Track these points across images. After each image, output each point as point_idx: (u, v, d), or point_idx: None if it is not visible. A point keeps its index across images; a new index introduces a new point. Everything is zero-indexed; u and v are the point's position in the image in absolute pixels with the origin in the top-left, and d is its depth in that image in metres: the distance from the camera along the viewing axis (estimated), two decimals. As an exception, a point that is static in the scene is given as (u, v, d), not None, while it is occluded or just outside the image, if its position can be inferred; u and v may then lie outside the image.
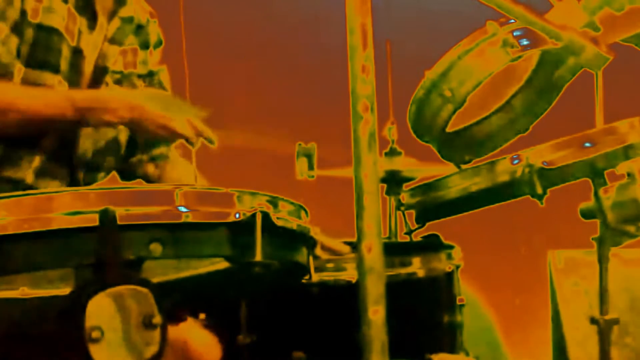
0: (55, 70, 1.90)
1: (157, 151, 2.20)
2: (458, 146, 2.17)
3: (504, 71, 1.92)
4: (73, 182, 1.99)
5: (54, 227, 1.09)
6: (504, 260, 3.72)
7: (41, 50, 1.89)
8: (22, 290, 1.45)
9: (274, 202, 1.23)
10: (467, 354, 2.18)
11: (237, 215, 1.18)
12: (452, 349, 2.13)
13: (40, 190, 1.11)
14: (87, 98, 1.89)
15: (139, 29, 2.13)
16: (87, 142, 2.00)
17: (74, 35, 1.94)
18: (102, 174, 2.07)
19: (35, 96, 1.86)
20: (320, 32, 3.49)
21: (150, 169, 2.21)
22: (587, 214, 1.95)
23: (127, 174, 2.19)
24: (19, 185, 1.90)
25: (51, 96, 1.87)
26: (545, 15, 1.73)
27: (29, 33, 1.87)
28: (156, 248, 1.12)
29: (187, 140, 1.93)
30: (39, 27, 1.88)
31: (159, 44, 2.20)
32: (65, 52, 1.92)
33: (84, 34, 1.96)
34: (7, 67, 1.85)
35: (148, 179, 2.20)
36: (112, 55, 2.03)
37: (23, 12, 1.86)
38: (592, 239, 1.93)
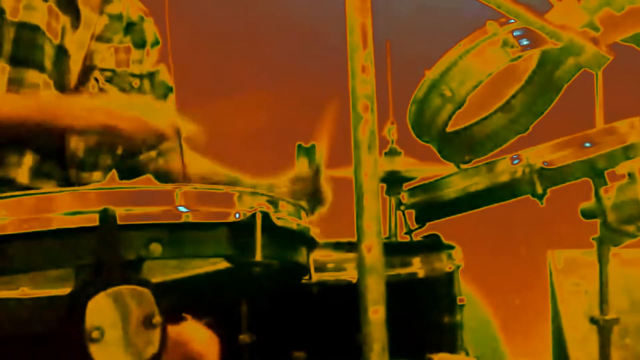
0: (40, 68, 1.87)
1: (165, 145, 2.14)
2: (458, 146, 2.17)
3: (504, 71, 1.92)
4: (67, 181, 1.96)
5: (54, 227, 1.09)
6: (504, 260, 3.72)
7: (24, 48, 1.86)
8: (22, 290, 1.45)
9: (274, 202, 1.23)
10: (467, 354, 2.18)
11: (237, 215, 1.18)
12: (452, 349, 2.13)
13: (40, 190, 1.11)
14: (54, 103, 1.83)
15: (130, 26, 2.09)
16: (78, 140, 1.96)
17: (57, 34, 1.91)
18: (98, 173, 2.04)
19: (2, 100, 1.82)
20: (320, 32, 3.49)
21: (161, 163, 2.18)
22: (588, 214, 1.95)
23: (136, 172, 2.17)
24: (13, 185, 1.88)
25: (17, 100, 1.83)
26: (545, 15, 1.73)
27: (10, 32, 1.84)
28: (156, 248, 1.12)
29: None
30: (21, 25, 1.85)
31: (155, 43, 2.17)
32: (49, 51, 1.89)
33: (67, 32, 1.93)
34: None
35: (158, 174, 2.18)
36: (99, 52, 2.00)
37: (1, 11, 1.84)
38: (592, 239, 1.93)
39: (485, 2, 1.44)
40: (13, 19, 1.85)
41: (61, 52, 1.92)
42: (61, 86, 1.92)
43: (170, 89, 2.20)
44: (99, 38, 2.00)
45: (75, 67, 1.96)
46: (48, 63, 1.89)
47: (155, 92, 2.16)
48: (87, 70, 1.98)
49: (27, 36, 1.86)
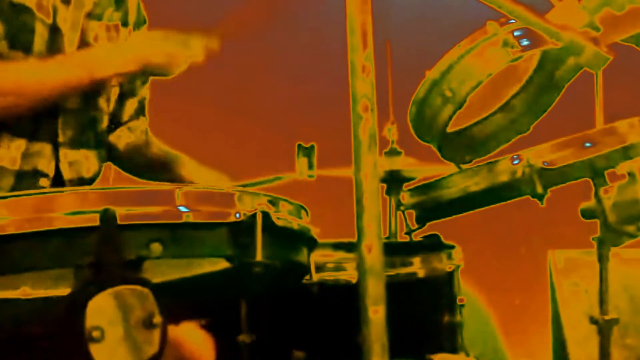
0: (27, 49, 1.88)
1: (133, 124, 2.23)
2: (458, 146, 2.17)
3: (504, 71, 1.92)
4: (56, 159, 1.98)
5: (55, 227, 1.09)
6: (504, 260, 3.72)
7: (14, 29, 1.86)
8: (23, 290, 1.45)
9: (274, 202, 1.23)
10: (467, 354, 2.18)
11: (238, 215, 1.18)
12: (452, 349, 2.13)
13: (40, 190, 1.12)
14: (93, 56, 1.93)
15: (120, 2, 2.10)
16: (70, 119, 1.99)
17: (49, 13, 1.91)
18: (83, 151, 2.04)
19: (40, 72, 1.86)
20: (320, 32, 3.49)
21: (130, 138, 2.24)
22: (588, 214, 1.95)
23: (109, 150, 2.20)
24: (4, 170, 1.90)
25: (58, 68, 1.88)
26: (545, 15, 1.73)
27: (4, 11, 1.85)
28: (156, 248, 1.12)
29: None
30: (12, 5, 1.85)
31: (142, 22, 2.18)
32: (41, 31, 1.89)
33: (59, 10, 1.93)
34: None
35: (126, 149, 2.24)
36: (91, 30, 2.01)
37: None
38: (592, 239, 1.93)
39: (486, 2, 1.44)
40: None
41: (55, 32, 1.92)
42: None
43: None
44: (90, 15, 2.00)
45: (70, 47, 1.96)
46: (40, 44, 1.89)
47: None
48: (81, 48, 1.98)
49: (17, 16, 1.86)
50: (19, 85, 1.84)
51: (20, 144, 1.91)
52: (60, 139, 1.97)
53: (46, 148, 1.95)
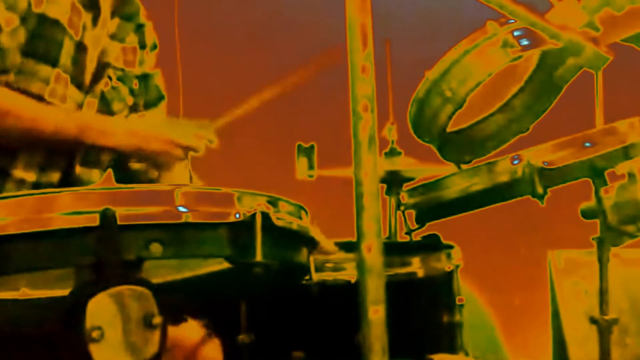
0: (54, 63, 1.90)
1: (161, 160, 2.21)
2: (458, 146, 2.17)
3: (504, 71, 1.92)
4: (70, 175, 2.00)
5: (54, 227, 1.09)
6: (504, 260, 3.72)
7: (42, 42, 1.88)
8: (23, 290, 1.45)
9: (274, 202, 1.23)
10: (467, 354, 2.18)
11: (237, 216, 1.18)
12: (452, 349, 2.13)
13: (40, 190, 1.12)
14: (89, 120, 1.93)
15: (140, 27, 2.14)
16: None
17: (78, 30, 1.94)
18: (97, 171, 2.07)
19: (39, 109, 1.87)
20: (320, 32, 3.49)
21: (153, 174, 2.22)
22: (588, 214, 1.95)
23: (129, 179, 2.19)
24: (24, 183, 1.93)
25: (56, 113, 1.89)
26: (545, 15, 1.73)
27: (32, 23, 1.86)
28: (156, 248, 1.12)
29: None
30: (42, 18, 1.87)
31: (154, 47, 2.21)
32: (68, 46, 1.92)
33: (88, 30, 1.97)
34: (12, 60, 1.85)
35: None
36: (112, 51, 2.04)
37: (28, 2, 1.86)
38: (592, 239, 1.93)
39: (486, 3, 1.44)
40: (36, 10, 1.87)
41: (80, 49, 1.95)
42: (78, 82, 1.96)
43: (162, 97, 2.23)
44: (113, 37, 2.04)
45: (91, 64, 1.99)
46: (65, 58, 1.92)
47: (148, 96, 2.18)
48: (101, 67, 2.02)
49: (46, 29, 1.88)
50: (18, 113, 1.85)
51: (31, 175, 1.95)
52: (77, 155, 2.00)
53: (61, 163, 1.98)
